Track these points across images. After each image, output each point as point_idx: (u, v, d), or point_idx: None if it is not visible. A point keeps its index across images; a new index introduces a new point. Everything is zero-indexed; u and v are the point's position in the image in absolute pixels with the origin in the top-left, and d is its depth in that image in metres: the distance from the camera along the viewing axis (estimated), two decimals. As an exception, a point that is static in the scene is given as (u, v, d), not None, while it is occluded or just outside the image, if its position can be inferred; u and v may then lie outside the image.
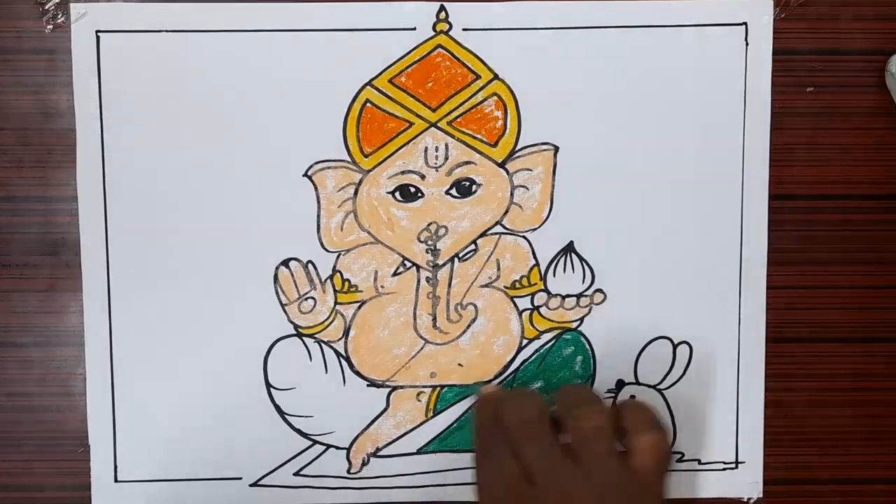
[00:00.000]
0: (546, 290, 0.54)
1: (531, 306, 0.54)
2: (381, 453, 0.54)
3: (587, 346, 0.54)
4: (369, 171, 0.53)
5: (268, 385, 0.54)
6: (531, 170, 0.53)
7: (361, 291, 0.54)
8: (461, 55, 0.53)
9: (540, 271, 0.54)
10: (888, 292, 0.55)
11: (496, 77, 0.53)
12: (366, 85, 0.53)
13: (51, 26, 0.52)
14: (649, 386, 0.55)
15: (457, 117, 0.53)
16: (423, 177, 0.53)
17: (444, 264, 0.54)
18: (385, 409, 0.54)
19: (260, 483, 0.54)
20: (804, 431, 0.55)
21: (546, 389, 0.54)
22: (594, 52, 0.53)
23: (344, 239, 0.53)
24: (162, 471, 0.54)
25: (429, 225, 0.53)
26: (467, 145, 0.53)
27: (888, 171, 0.54)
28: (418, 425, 0.54)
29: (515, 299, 0.54)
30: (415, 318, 0.54)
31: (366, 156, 0.53)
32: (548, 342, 0.54)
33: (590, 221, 0.54)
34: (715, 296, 0.54)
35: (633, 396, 0.54)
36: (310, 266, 0.53)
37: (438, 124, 0.53)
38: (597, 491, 0.44)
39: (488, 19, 0.52)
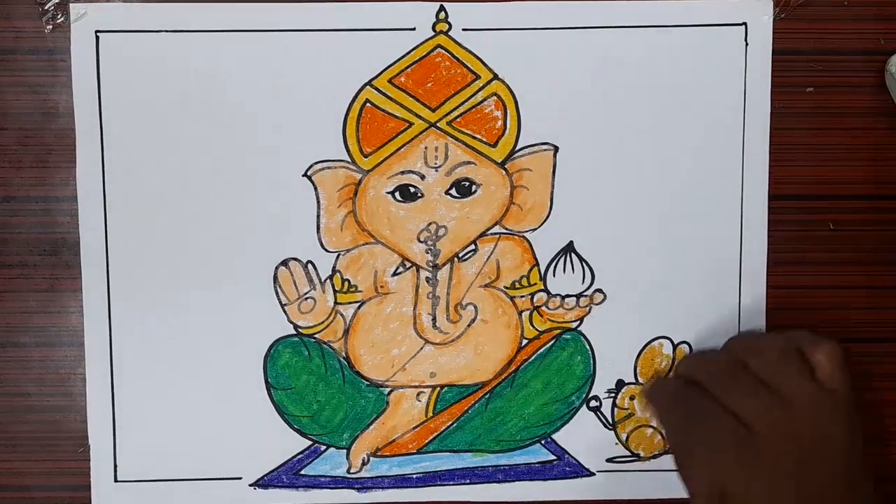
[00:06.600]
0: (546, 291, 0.54)
1: (531, 306, 0.54)
2: (381, 453, 0.54)
3: (587, 346, 0.54)
4: (369, 171, 0.53)
5: (268, 385, 0.54)
6: (531, 170, 0.53)
7: (361, 291, 0.54)
8: (461, 55, 0.53)
9: (540, 271, 0.54)
10: (888, 292, 0.55)
11: (496, 77, 0.53)
12: (366, 85, 0.53)
13: (50, 26, 0.52)
14: (649, 386, 0.55)
15: (456, 117, 0.53)
16: (422, 177, 0.53)
17: (443, 264, 0.54)
18: (385, 409, 0.54)
19: (260, 483, 0.54)
20: (804, 431, 0.55)
21: (546, 390, 0.54)
22: (594, 52, 0.53)
23: (344, 239, 0.53)
24: (162, 471, 0.54)
25: (428, 225, 0.53)
26: (467, 145, 0.53)
27: (888, 171, 0.54)
28: (418, 425, 0.54)
29: (515, 299, 0.54)
30: (414, 318, 0.54)
31: (365, 156, 0.53)
32: (548, 342, 0.54)
33: (590, 221, 0.54)
34: (715, 296, 0.54)
35: (632, 398, 0.55)
36: (309, 266, 0.53)
37: (438, 124, 0.53)
38: (803, 416, 0.46)
39: (488, 19, 0.52)
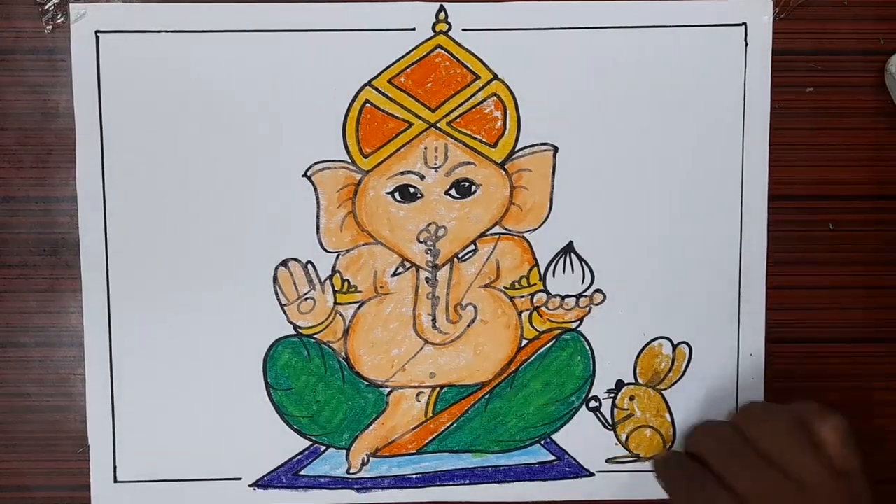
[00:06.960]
0: (545, 291, 0.54)
1: (531, 307, 0.54)
2: (380, 453, 0.54)
3: (587, 347, 0.54)
4: (369, 171, 0.53)
5: (267, 385, 0.54)
6: (531, 170, 0.53)
7: (361, 292, 0.54)
8: (460, 55, 0.53)
9: (539, 272, 0.54)
10: (888, 292, 0.55)
11: (495, 77, 0.53)
12: (365, 85, 0.53)
13: (50, 26, 0.52)
14: (649, 386, 0.55)
15: (456, 118, 0.53)
16: (422, 177, 0.53)
17: (443, 265, 0.54)
18: (384, 410, 0.54)
19: (260, 483, 0.54)
20: (804, 432, 0.55)
21: (545, 391, 0.54)
22: (594, 53, 0.53)
23: (343, 239, 0.53)
24: (162, 471, 0.54)
25: (428, 225, 0.53)
26: (467, 146, 0.53)
27: (888, 171, 0.54)
28: (418, 425, 0.54)
29: (515, 300, 0.54)
30: (414, 319, 0.54)
31: (365, 156, 0.53)
32: (547, 342, 0.54)
33: (589, 222, 0.54)
34: (715, 296, 0.54)
35: (632, 398, 0.55)
36: (309, 266, 0.53)
37: (438, 125, 0.53)
38: (810, 495, 0.45)
39: (488, 19, 0.52)
